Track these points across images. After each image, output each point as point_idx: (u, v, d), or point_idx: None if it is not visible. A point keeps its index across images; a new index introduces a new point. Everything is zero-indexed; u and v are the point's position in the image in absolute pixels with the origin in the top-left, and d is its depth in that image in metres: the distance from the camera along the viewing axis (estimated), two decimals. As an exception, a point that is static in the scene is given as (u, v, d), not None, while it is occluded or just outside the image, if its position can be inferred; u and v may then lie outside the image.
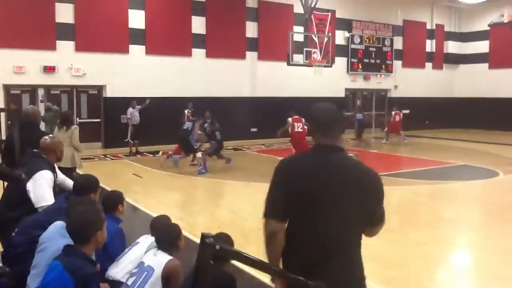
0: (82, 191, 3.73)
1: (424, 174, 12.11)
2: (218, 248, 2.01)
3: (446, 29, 25.16)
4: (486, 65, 24.41)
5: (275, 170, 2.56)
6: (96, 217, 2.81)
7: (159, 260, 3.16)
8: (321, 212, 2.39)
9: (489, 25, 21.66)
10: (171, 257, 3.20)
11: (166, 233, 3.39)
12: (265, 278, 4.81)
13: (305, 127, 11.82)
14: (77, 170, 7.61)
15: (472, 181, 11.25)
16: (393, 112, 18.30)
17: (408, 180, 11.12)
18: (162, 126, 15.63)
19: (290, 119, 12.25)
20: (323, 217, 2.39)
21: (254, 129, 17.37)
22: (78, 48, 15.22)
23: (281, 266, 2.48)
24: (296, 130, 12.13)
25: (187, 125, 12.06)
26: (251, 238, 6.92)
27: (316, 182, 2.40)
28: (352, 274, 2.50)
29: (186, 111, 14.84)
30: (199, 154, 11.96)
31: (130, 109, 14.77)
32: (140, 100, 15.06)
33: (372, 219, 2.53)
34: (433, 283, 5.24)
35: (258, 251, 6.34)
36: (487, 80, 24.10)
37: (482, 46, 24.55)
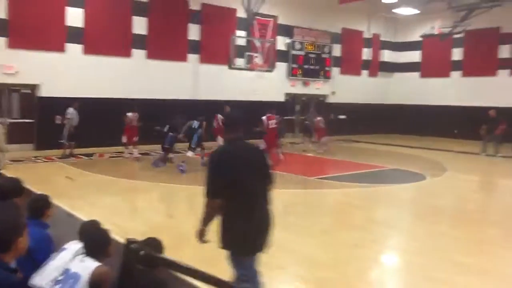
0: (5, 195, 3.59)
1: (357, 177, 12.56)
2: (142, 254, 2.01)
3: (382, 38, 26.24)
4: (418, 73, 25.72)
5: (211, 160, 3.82)
6: (14, 223, 2.66)
7: (86, 266, 3.05)
8: (248, 177, 3.78)
9: (421, 36, 22.80)
10: (99, 264, 3.10)
11: (94, 239, 3.28)
12: (200, 284, 4.83)
13: (277, 122, 13.99)
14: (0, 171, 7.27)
15: (401, 185, 11.80)
16: (318, 118, 17.41)
17: (341, 183, 11.49)
18: (99, 127, 15.23)
19: (264, 118, 13.76)
20: (252, 180, 3.79)
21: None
22: (11, 45, 14.52)
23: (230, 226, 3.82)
24: (270, 126, 13.73)
25: (195, 124, 12.97)
26: (187, 242, 6.89)
27: (241, 160, 3.81)
28: (271, 214, 3.98)
29: (130, 114, 14.48)
30: (189, 153, 12.86)
31: (70, 109, 14.21)
32: (76, 101, 14.64)
33: (271, 179, 4.01)
34: (363, 283, 5.45)
35: (194, 255, 6.38)
36: (418, 88, 25.40)
37: (415, 56, 25.86)
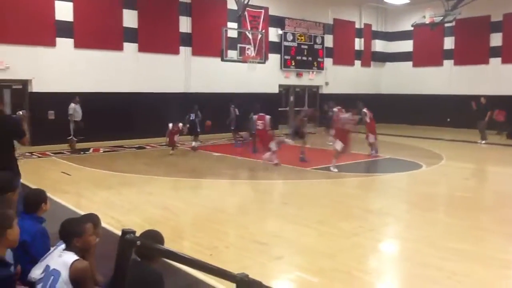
0: (-2, 191, 3.53)
1: (353, 167, 12.56)
2: (138, 244, 1.97)
3: (374, 28, 26.22)
4: (410, 63, 25.73)
5: None
6: (2, 216, 2.63)
7: (65, 261, 2.94)
8: None
9: (412, 26, 22.78)
10: (77, 258, 2.98)
11: (64, 230, 3.14)
12: (198, 273, 4.83)
13: (266, 124, 12.54)
14: None
15: (397, 173, 11.82)
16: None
17: (338, 173, 11.50)
18: (91, 122, 15.09)
19: (254, 116, 13.02)
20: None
21: (188, 125, 17.21)
22: (1, 40, 14.32)
23: None
24: (258, 127, 12.72)
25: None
26: (184, 234, 6.90)
27: None
28: (16, 165, 6.01)
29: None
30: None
31: (72, 105, 14.20)
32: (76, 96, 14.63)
33: (21, 135, 5.91)
34: (361, 272, 5.45)
35: (191, 247, 6.36)
36: (411, 78, 25.44)
37: (407, 45, 25.86)
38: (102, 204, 8.25)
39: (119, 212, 7.68)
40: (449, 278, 5.14)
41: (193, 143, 15.09)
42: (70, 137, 14.33)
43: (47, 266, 2.96)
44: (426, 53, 24.66)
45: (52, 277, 2.87)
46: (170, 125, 14.24)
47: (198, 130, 15.19)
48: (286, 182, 10.98)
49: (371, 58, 26.33)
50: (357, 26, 25.31)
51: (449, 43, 23.96)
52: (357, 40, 25.45)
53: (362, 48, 25.70)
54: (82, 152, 14.27)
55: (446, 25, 21.81)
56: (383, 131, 21.68)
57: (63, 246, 3.15)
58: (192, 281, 4.81)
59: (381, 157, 14.08)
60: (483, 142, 17.53)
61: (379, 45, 26.65)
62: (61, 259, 2.97)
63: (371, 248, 6.39)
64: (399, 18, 25.77)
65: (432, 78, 24.41)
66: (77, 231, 3.12)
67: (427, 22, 20.76)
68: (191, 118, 14.95)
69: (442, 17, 20.41)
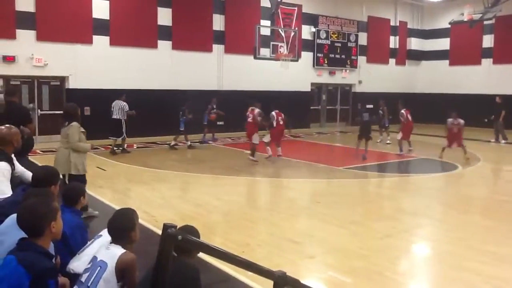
0: (41, 183, 3.63)
1: (386, 167, 12.38)
2: (180, 238, 1.98)
3: (409, 26, 25.72)
4: (446, 62, 25.11)
5: None
6: (47, 208, 2.68)
7: (112, 253, 3.01)
8: None
9: (450, 23, 22.22)
10: (124, 250, 3.04)
11: (117, 225, 3.20)
12: (230, 269, 4.85)
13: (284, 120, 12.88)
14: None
15: (432, 174, 11.57)
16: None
17: (370, 173, 11.33)
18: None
19: (274, 113, 12.82)
20: None
21: (221, 123, 17.30)
22: (40, 38, 14.74)
23: None
24: (280, 123, 12.80)
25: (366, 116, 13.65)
26: (216, 231, 6.94)
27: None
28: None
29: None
30: None
31: (122, 102, 13.87)
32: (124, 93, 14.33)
33: (27, 123, 7.02)
34: (395, 273, 5.36)
35: (223, 244, 6.39)
36: (447, 77, 24.82)
37: (443, 44, 25.24)
38: (136, 199, 8.38)
39: (152, 207, 7.78)
40: (486, 283, 5.00)
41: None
42: (122, 136, 13.81)
43: (94, 257, 3.04)
44: (464, 51, 24.00)
45: (99, 267, 2.95)
46: (257, 110, 12.62)
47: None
48: (317, 181, 10.91)
49: (406, 56, 25.85)
50: (392, 23, 24.87)
51: (488, 41, 23.25)
52: (392, 38, 25.01)
53: (397, 46, 25.24)
54: (116, 148, 14.48)
55: (486, 22, 21.18)
56: (418, 131, 21.26)
57: (105, 238, 3.22)
58: (223, 277, 4.83)
59: (415, 157, 13.81)
60: (503, 142, 17.20)
61: (414, 43, 26.12)
62: (109, 251, 3.04)
63: (405, 249, 6.28)
64: (436, 16, 25.20)
65: (470, 77, 23.73)
66: (131, 225, 3.19)
67: (465, 20, 20.24)
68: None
69: (481, 14, 19.85)
